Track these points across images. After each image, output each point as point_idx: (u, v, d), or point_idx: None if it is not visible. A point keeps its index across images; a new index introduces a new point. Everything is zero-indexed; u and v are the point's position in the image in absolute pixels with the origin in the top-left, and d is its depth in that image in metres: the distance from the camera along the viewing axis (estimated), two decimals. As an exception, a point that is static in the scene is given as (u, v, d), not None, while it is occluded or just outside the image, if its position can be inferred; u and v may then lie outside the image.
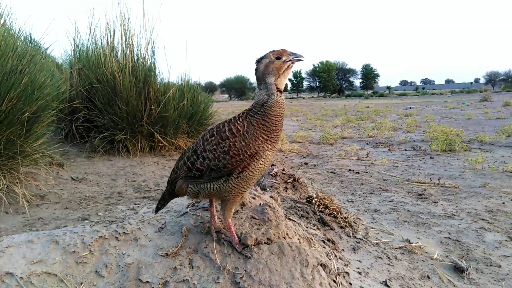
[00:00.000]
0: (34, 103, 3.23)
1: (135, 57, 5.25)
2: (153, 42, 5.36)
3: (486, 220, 3.35)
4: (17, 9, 3.87)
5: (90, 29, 5.39)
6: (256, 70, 1.62)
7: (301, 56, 1.62)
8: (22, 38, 4.00)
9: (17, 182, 3.12)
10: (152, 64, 5.34)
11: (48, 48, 4.33)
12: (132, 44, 5.25)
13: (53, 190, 3.44)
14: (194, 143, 1.75)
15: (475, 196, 4.10)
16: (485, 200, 3.92)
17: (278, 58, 1.59)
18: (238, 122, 1.58)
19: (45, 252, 1.75)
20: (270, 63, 1.58)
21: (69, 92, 4.80)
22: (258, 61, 1.62)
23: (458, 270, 2.43)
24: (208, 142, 1.60)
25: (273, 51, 1.61)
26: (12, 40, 3.32)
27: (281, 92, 1.59)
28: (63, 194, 3.42)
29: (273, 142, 1.58)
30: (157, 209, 2.01)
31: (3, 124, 2.96)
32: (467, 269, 2.40)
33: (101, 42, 5.31)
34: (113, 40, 5.29)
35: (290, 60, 1.60)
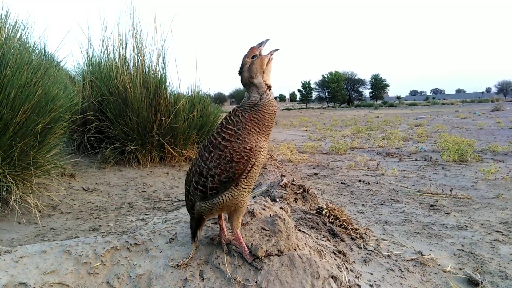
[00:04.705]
0: (48, 114, 3.30)
1: (146, 69, 5.34)
2: (164, 54, 5.46)
3: (501, 232, 3.28)
4: (33, 22, 3.98)
5: (103, 42, 5.51)
6: (241, 79, 1.65)
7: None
8: (36, 51, 4.10)
9: (29, 193, 3.17)
10: (163, 76, 5.42)
11: (61, 60, 4.44)
12: (144, 57, 5.35)
13: (65, 201, 3.48)
14: (192, 165, 1.74)
15: (489, 207, 4.03)
16: (499, 212, 3.85)
17: (253, 57, 1.63)
18: (229, 123, 1.60)
19: (57, 262, 1.77)
20: (252, 65, 1.62)
21: (82, 104, 4.89)
22: (241, 72, 1.65)
23: (472, 283, 2.38)
24: (210, 160, 1.60)
25: (245, 55, 1.65)
26: (27, 53, 3.40)
27: (270, 88, 1.64)
28: (75, 204, 3.46)
29: (265, 134, 1.61)
30: (194, 238, 1.87)
31: (17, 136, 3.02)
32: (482, 282, 2.34)
33: (113, 55, 5.42)
34: (125, 53, 5.40)
35: (269, 53, 1.65)
